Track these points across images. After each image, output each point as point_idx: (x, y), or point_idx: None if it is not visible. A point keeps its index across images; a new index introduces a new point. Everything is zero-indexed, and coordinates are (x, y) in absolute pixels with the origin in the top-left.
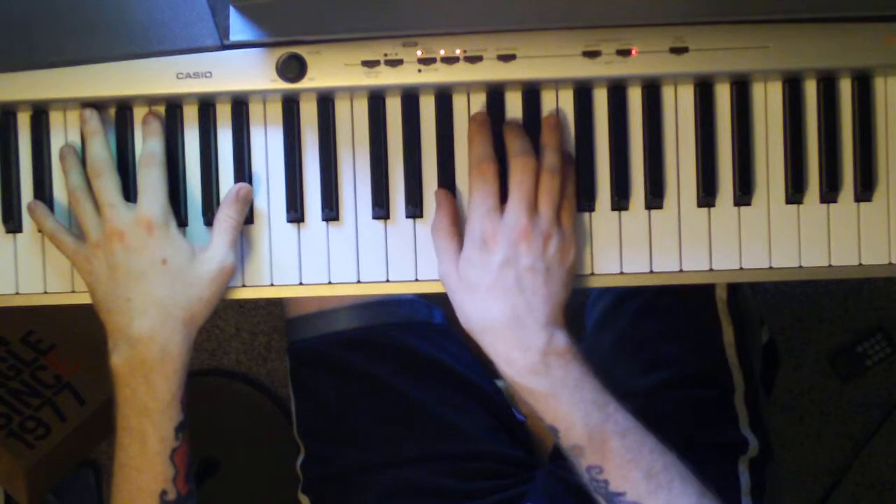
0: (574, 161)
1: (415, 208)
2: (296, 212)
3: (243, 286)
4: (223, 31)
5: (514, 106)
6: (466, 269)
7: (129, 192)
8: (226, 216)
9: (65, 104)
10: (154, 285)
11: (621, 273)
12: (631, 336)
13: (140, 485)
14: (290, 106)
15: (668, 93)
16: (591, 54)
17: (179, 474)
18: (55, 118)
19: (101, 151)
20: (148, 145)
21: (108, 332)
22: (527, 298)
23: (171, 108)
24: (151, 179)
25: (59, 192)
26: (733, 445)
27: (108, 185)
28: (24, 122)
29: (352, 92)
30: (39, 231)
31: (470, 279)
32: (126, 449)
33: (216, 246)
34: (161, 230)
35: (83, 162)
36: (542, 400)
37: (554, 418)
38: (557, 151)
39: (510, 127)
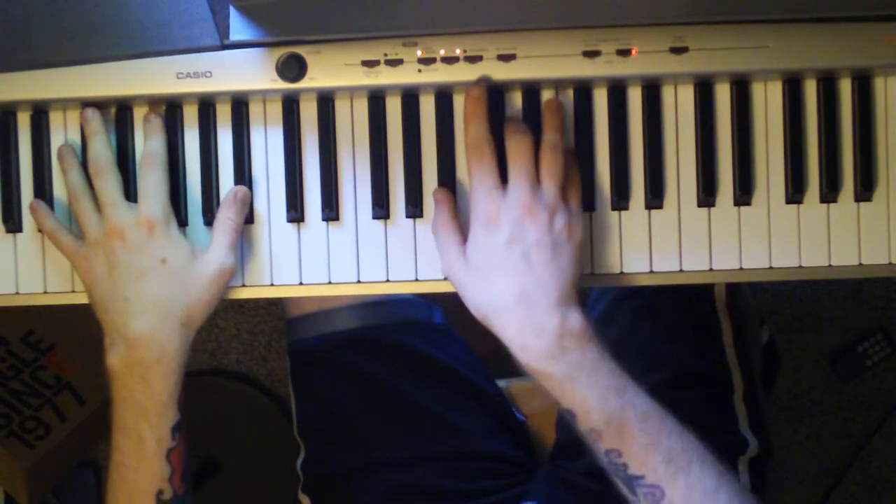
0: (575, 153)
1: (415, 208)
2: (296, 212)
3: (243, 286)
4: (223, 30)
5: (514, 106)
6: (474, 252)
7: (129, 191)
8: (225, 218)
9: (65, 104)
10: (153, 285)
11: (621, 273)
12: (631, 336)
13: (136, 484)
14: (290, 106)
15: (668, 93)
16: (591, 54)
17: (176, 473)
18: (55, 118)
19: (103, 151)
20: (149, 145)
21: (105, 331)
22: (536, 275)
23: (171, 108)
24: (153, 180)
25: (59, 192)
26: (733, 445)
27: (110, 185)
28: (24, 122)
29: (352, 92)
30: (39, 230)
31: (478, 261)
32: (122, 449)
33: (216, 248)
34: (162, 230)
35: (82, 160)
36: (559, 385)
37: (571, 403)
38: (558, 131)
39: (509, 117)
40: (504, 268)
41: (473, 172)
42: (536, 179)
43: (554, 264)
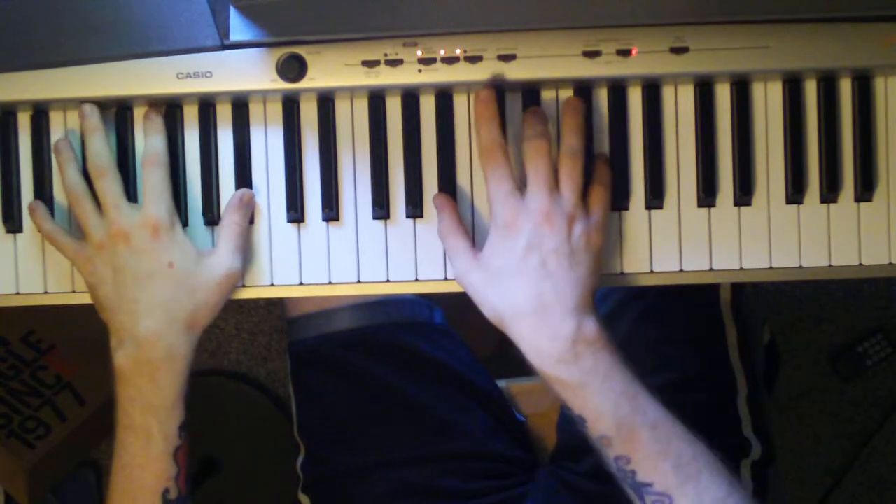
0: (608, 159)
1: (415, 208)
2: (296, 212)
3: (243, 286)
4: (223, 31)
5: (514, 106)
6: (490, 256)
7: (129, 192)
8: (232, 222)
9: (65, 104)
10: (160, 288)
11: (622, 273)
12: (635, 339)
13: (143, 483)
14: (291, 106)
15: (668, 93)
16: (591, 54)
17: (181, 473)
18: (55, 118)
19: (102, 150)
20: (150, 144)
21: (111, 331)
22: (553, 283)
23: (172, 109)
24: (156, 180)
25: (59, 193)
26: (736, 448)
27: (112, 186)
28: (24, 122)
29: (352, 92)
30: (39, 231)
31: (495, 266)
32: (129, 447)
33: (222, 251)
34: (167, 233)
35: (81, 157)
36: (571, 390)
37: (582, 408)
38: (578, 133)
39: (528, 112)
40: (521, 274)
41: (489, 177)
42: (555, 184)
43: (571, 272)
